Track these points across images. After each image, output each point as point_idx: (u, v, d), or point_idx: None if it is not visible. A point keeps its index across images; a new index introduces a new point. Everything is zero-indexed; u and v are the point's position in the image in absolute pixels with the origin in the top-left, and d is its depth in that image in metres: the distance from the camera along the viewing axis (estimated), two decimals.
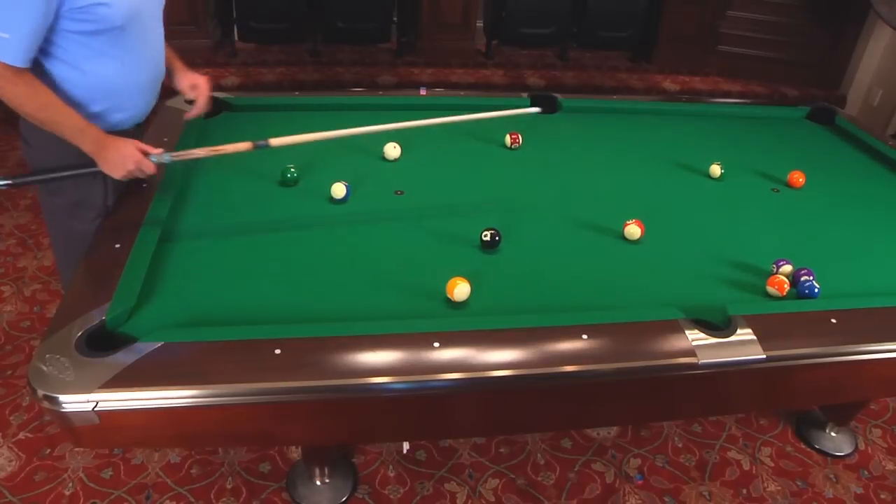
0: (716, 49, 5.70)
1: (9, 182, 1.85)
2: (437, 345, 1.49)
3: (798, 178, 2.43)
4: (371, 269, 1.81)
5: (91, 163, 1.84)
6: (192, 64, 2.25)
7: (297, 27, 5.04)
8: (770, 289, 1.82)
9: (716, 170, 2.44)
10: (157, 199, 1.96)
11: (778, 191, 2.42)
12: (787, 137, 2.89)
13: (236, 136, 2.09)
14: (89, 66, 1.83)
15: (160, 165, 1.90)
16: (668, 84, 5.52)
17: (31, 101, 1.75)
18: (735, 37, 5.67)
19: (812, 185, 2.44)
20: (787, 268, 1.88)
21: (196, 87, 2.17)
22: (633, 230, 2.01)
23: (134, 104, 2.00)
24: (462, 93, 3.39)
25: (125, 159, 1.82)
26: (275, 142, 2.00)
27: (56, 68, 1.81)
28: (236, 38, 5.18)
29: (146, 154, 1.85)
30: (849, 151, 2.81)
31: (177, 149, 2.05)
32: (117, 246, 1.73)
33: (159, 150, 1.89)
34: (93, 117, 1.88)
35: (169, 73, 2.16)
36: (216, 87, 2.87)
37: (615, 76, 5.64)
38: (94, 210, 1.99)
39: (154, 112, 2.23)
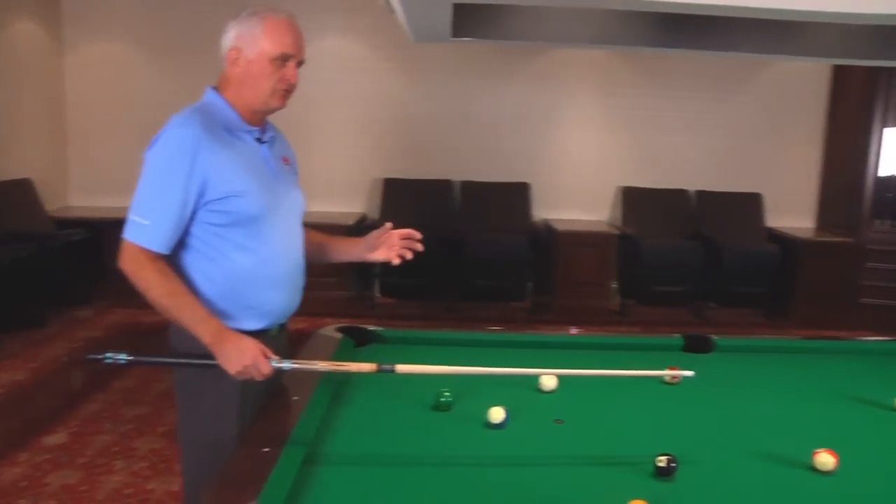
0: (857, 302, 5.52)
1: (129, 359, 1.87)
2: None
3: None
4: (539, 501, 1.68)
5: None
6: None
7: (434, 284, 5.30)
8: None
9: None
10: (304, 418, 1.91)
11: None
12: None
13: None
14: (224, 257, 1.92)
15: (286, 374, 1.93)
16: None
17: (160, 286, 1.82)
18: (877, 288, 5.50)
19: None
20: None
21: (384, 231, 2.20)
22: (826, 459, 1.81)
23: (269, 299, 2.02)
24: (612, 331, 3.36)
25: (242, 354, 1.82)
26: (401, 368, 1.93)
27: (191, 257, 1.92)
28: (377, 292, 5.49)
29: (267, 357, 1.86)
30: None
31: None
32: (251, 467, 1.62)
33: (279, 357, 1.91)
34: (225, 314, 1.93)
35: (342, 253, 2.29)
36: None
37: (752, 332, 5.51)
38: (229, 418, 1.97)
39: (303, 334, 2.27)
